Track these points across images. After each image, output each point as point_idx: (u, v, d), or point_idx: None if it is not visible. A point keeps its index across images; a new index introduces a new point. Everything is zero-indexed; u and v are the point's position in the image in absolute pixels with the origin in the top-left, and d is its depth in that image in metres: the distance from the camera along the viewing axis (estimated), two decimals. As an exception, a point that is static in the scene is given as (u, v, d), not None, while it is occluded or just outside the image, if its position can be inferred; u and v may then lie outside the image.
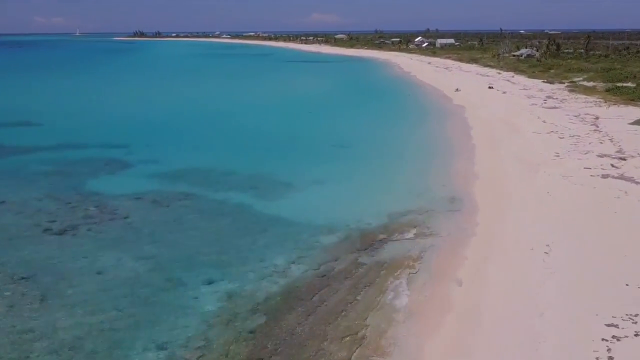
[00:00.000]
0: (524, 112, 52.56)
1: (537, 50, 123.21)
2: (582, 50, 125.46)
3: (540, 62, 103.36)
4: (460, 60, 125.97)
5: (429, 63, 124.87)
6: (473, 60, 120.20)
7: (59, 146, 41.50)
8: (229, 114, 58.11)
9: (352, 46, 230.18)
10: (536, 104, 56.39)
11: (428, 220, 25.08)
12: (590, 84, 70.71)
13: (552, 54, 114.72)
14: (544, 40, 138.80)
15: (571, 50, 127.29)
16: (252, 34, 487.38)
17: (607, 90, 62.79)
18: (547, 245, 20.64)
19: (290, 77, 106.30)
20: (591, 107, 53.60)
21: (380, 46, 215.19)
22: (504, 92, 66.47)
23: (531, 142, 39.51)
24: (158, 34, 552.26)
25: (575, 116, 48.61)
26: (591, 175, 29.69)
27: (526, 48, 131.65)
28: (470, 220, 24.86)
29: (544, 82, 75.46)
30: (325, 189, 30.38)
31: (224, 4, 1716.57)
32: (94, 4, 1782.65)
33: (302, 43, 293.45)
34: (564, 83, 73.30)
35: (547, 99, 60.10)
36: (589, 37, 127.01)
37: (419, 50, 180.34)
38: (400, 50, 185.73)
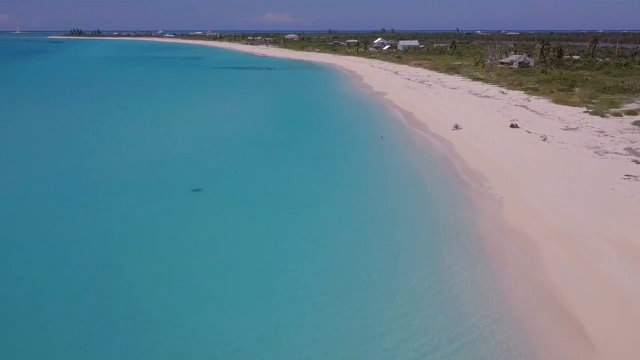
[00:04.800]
0: (632, 209, 24.59)
1: (530, 56, 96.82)
2: (578, 57, 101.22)
3: (546, 73, 76.71)
4: (435, 69, 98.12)
5: (397, 73, 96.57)
6: (453, 70, 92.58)
7: None
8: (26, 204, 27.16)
9: (302, 48, 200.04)
10: None
11: None
12: (668, 118, 43.84)
13: (554, 62, 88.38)
14: (536, 44, 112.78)
15: (578, 57, 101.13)
16: (198, 33, 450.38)
17: None
18: None
19: (208, 97, 73.61)
20: None
21: (334, 49, 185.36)
22: (543, 139, 38.44)
23: None
24: (97, 33, 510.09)
25: None
26: None
27: (515, 53, 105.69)
28: None
29: (587, 112, 47.94)
30: None
31: (175, 1, 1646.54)
32: (38, 2, 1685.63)
33: (248, 43, 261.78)
34: (621, 115, 46.12)
35: None
36: (595, 40, 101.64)
37: (380, 54, 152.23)
38: (358, 54, 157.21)
